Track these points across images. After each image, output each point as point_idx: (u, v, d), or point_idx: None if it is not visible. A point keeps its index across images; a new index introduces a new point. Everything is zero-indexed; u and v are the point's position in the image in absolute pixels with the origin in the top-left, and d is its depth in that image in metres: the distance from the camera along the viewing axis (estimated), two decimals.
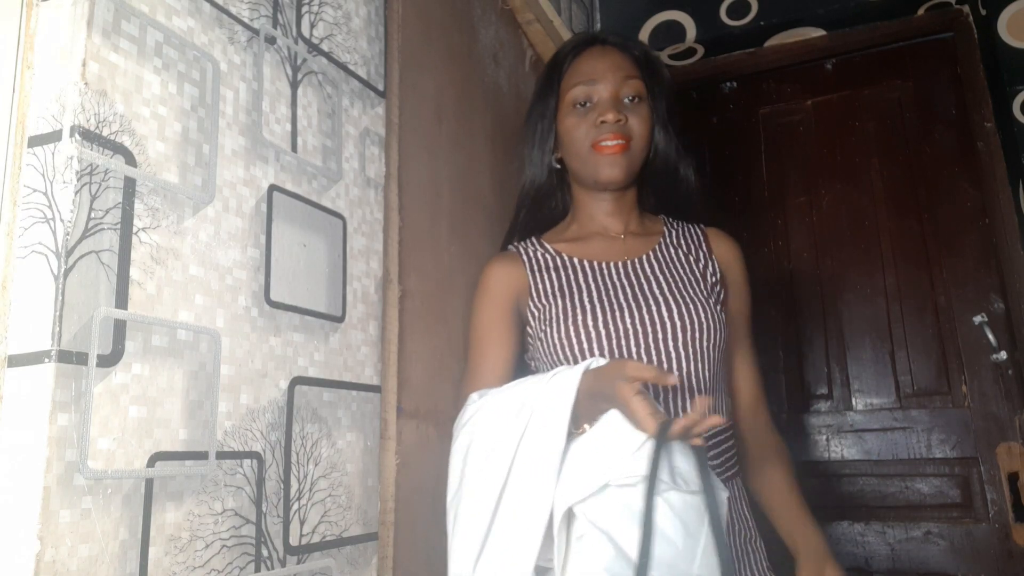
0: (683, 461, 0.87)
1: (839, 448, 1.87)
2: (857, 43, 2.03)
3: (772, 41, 2.08)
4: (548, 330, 1.13)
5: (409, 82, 1.23)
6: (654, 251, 1.21)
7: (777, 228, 2.06)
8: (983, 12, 1.81)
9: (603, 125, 1.15)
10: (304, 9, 0.97)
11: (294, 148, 0.93)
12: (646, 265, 1.19)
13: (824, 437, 1.89)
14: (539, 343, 1.15)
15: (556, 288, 1.17)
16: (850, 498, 1.85)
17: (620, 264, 1.19)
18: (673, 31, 2.11)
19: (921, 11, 1.95)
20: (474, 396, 1.05)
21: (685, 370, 1.09)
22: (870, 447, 1.85)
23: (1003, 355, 1.75)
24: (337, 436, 0.94)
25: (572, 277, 1.18)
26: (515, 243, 1.27)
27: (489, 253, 1.48)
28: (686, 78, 2.20)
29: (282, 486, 0.84)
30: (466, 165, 1.42)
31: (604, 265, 1.19)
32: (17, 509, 0.61)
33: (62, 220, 0.65)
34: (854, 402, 1.89)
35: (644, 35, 2.14)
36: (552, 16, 1.77)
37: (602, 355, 1.09)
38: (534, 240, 1.25)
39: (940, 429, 1.80)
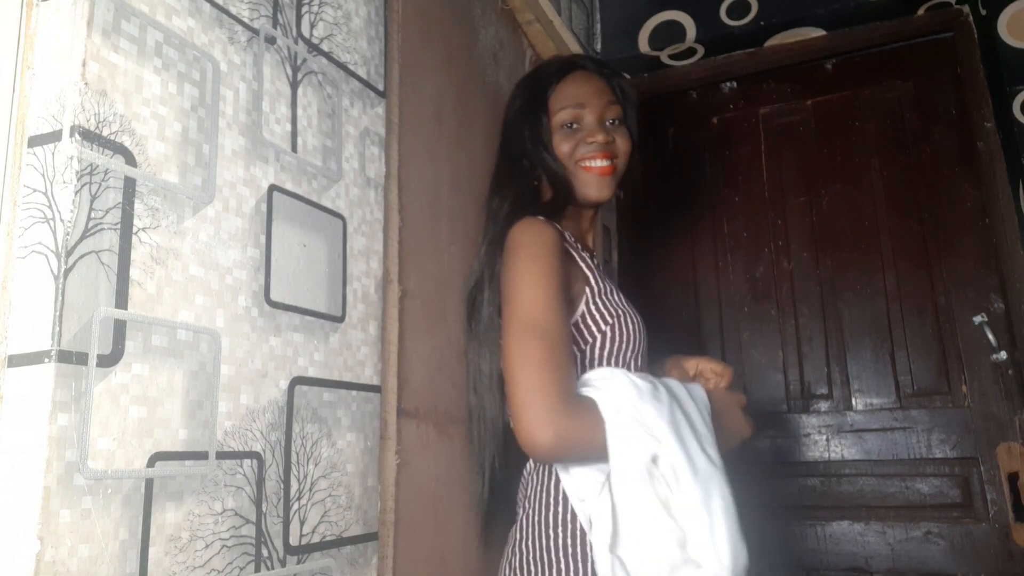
0: None
1: (839, 448, 1.87)
2: (857, 43, 2.03)
3: (772, 41, 2.08)
4: (620, 319, 1.13)
5: (409, 82, 1.23)
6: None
7: (777, 228, 2.06)
8: (983, 12, 1.81)
9: (591, 144, 1.23)
10: (304, 9, 0.97)
11: (294, 148, 0.93)
12: None
13: (824, 437, 1.89)
14: (606, 328, 1.13)
15: (603, 277, 1.18)
16: (850, 498, 1.85)
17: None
18: (673, 31, 2.11)
19: (921, 11, 1.95)
20: (620, 377, 1.02)
21: None
22: (870, 447, 1.85)
23: (1003, 355, 1.75)
24: (337, 436, 0.94)
25: (600, 273, 1.19)
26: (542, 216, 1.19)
27: None
28: (686, 78, 2.20)
29: (282, 486, 0.84)
30: (466, 165, 1.42)
31: (597, 267, 1.22)
32: (17, 509, 0.61)
33: (62, 220, 0.65)
34: (854, 402, 1.89)
35: (644, 35, 2.14)
36: (552, 16, 1.77)
37: (639, 358, 1.15)
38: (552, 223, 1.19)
39: (940, 429, 1.80)
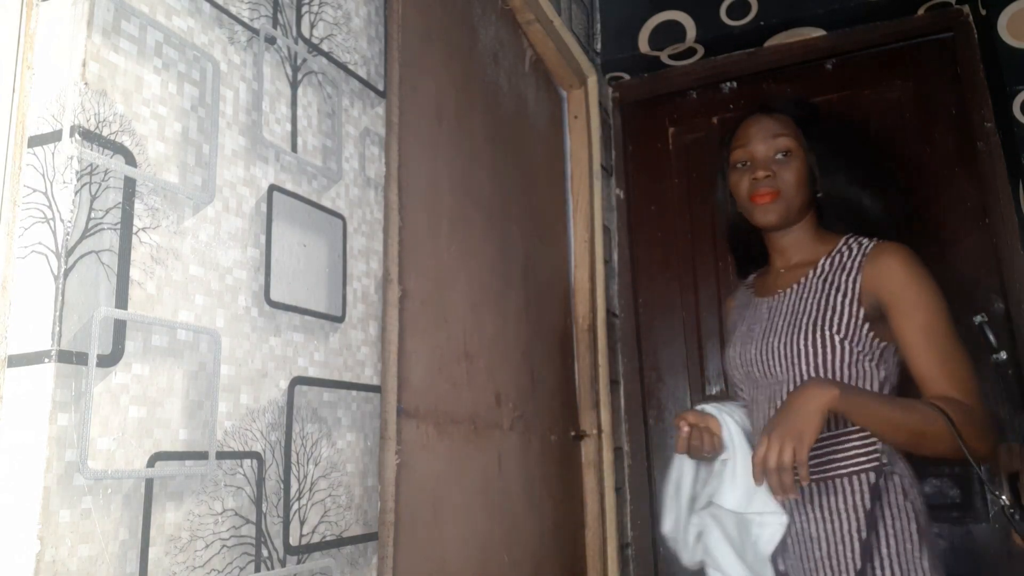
0: (747, 482, 1.25)
1: None
2: (857, 43, 2.03)
3: (772, 41, 2.08)
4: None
5: (409, 82, 1.23)
6: (799, 283, 1.37)
7: None
8: (983, 12, 1.81)
9: (755, 181, 1.38)
10: (304, 9, 0.97)
11: (294, 148, 0.93)
12: (784, 298, 1.38)
13: None
14: None
15: (731, 321, 1.52)
16: None
17: (769, 298, 1.42)
18: (673, 31, 2.11)
19: (921, 11, 1.95)
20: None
21: (789, 389, 1.29)
22: None
23: (1003, 355, 1.75)
24: (337, 436, 0.94)
25: (742, 311, 1.48)
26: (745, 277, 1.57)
27: (490, 253, 1.48)
28: (686, 78, 2.20)
29: (282, 486, 0.84)
30: (466, 165, 1.42)
31: (760, 300, 1.44)
32: (17, 509, 0.61)
33: (62, 220, 0.65)
34: None
35: (644, 35, 2.14)
36: (552, 16, 1.77)
37: (739, 377, 1.41)
38: (751, 274, 1.55)
39: None
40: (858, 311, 1.28)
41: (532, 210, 1.73)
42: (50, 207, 0.65)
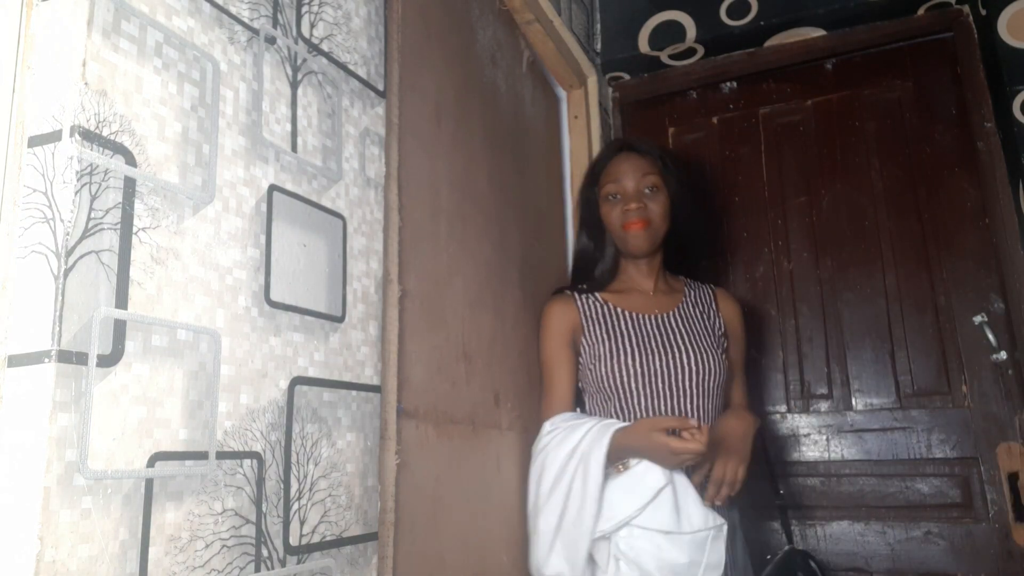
0: (689, 504, 1.29)
1: (839, 448, 1.87)
2: (857, 43, 2.03)
3: (772, 41, 2.08)
4: (596, 364, 1.49)
5: (409, 82, 1.23)
6: (678, 308, 1.57)
7: (777, 228, 2.06)
8: (983, 12, 1.81)
9: (628, 211, 1.54)
10: (304, 9, 0.97)
11: (294, 148, 0.93)
12: (672, 319, 1.54)
13: (824, 437, 1.89)
14: (588, 372, 1.51)
15: (603, 331, 1.52)
16: (850, 498, 1.85)
17: (652, 316, 1.53)
18: (673, 31, 2.11)
19: (921, 11, 1.95)
20: (546, 426, 1.43)
21: (696, 403, 1.45)
22: (870, 447, 1.85)
23: (1003, 355, 1.75)
24: (337, 436, 0.94)
25: (616, 323, 1.52)
26: (568, 290, 1.60)
27: (488, 253, 1.48)
28: (686, 78, 2.20)
29: (282, 486, 0.84)
30: (465, 165, 1.42)
31: (640, 316, 1.53)
32: (17, 509, 0.61)
33: (62, 220, 0.65)
34: (854, 402, 1.89)
35: (644, 35, 2.14)
36: (552, 16, 1.77)
37: (636, 389, 1.45)
38: (586, 291, 1.58)
39: (940, 429, 1.80)
40: (723, 339, 1.57)
41: (531, 210, 1.73)
42: (50, 207, 0.65)
